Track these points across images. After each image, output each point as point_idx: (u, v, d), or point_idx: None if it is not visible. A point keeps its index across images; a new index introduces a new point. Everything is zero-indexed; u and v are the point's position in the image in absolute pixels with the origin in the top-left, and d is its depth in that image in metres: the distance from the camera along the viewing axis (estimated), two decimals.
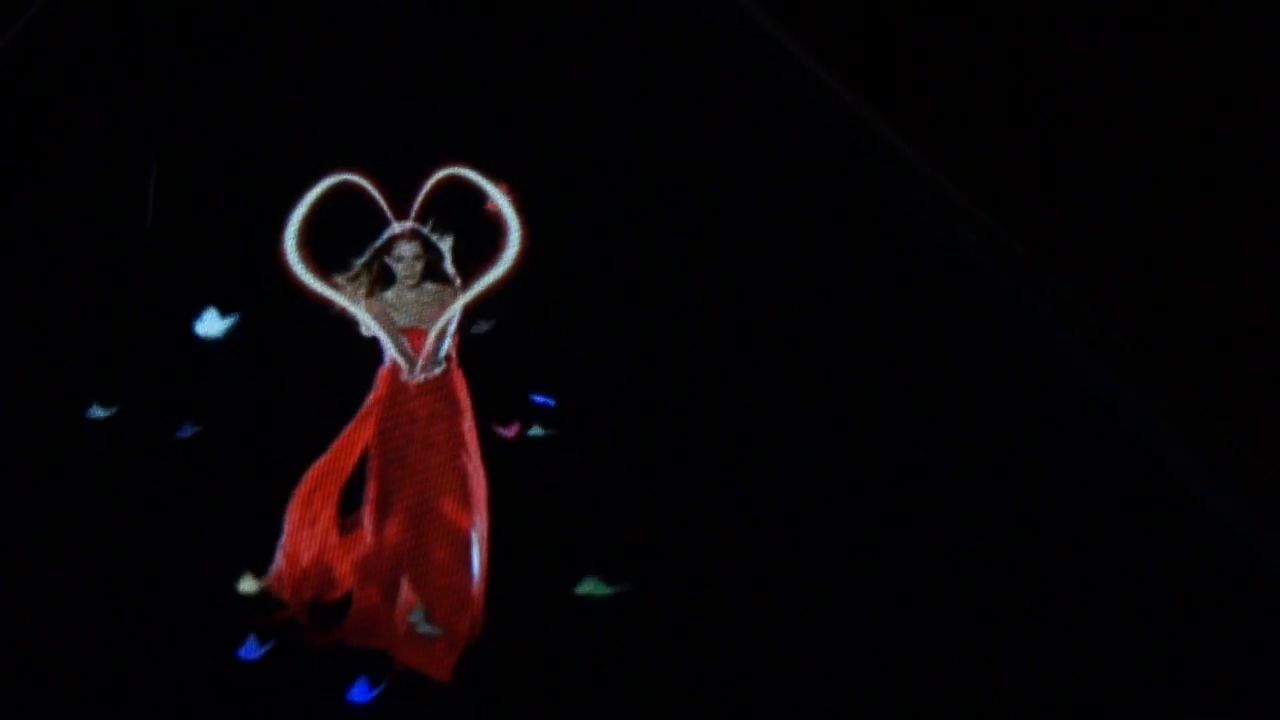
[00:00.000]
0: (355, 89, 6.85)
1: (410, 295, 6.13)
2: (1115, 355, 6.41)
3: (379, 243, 6.09)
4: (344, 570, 6.04)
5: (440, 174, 6.10)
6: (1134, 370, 6.35)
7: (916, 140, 6.82)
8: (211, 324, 6.09)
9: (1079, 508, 6.15)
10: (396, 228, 6.12)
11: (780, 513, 6.26)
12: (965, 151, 6.77)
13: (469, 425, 6.12)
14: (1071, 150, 6.81)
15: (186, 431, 6.36)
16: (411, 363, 6.07)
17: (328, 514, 6.04)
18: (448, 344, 6.11)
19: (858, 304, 6.64)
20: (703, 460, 6.45)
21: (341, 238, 6.06)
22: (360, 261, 6.07)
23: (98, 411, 6.16)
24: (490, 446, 6.12)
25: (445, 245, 6.15)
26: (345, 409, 6.09)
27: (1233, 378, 6.26)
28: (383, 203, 6.10)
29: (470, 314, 6.09)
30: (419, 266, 6.13)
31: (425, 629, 5.91)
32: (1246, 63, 6.78)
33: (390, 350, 6.09)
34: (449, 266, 6.15)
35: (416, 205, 6.10)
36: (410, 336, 6.10)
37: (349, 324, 6.07)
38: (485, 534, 6.03)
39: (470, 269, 6.10)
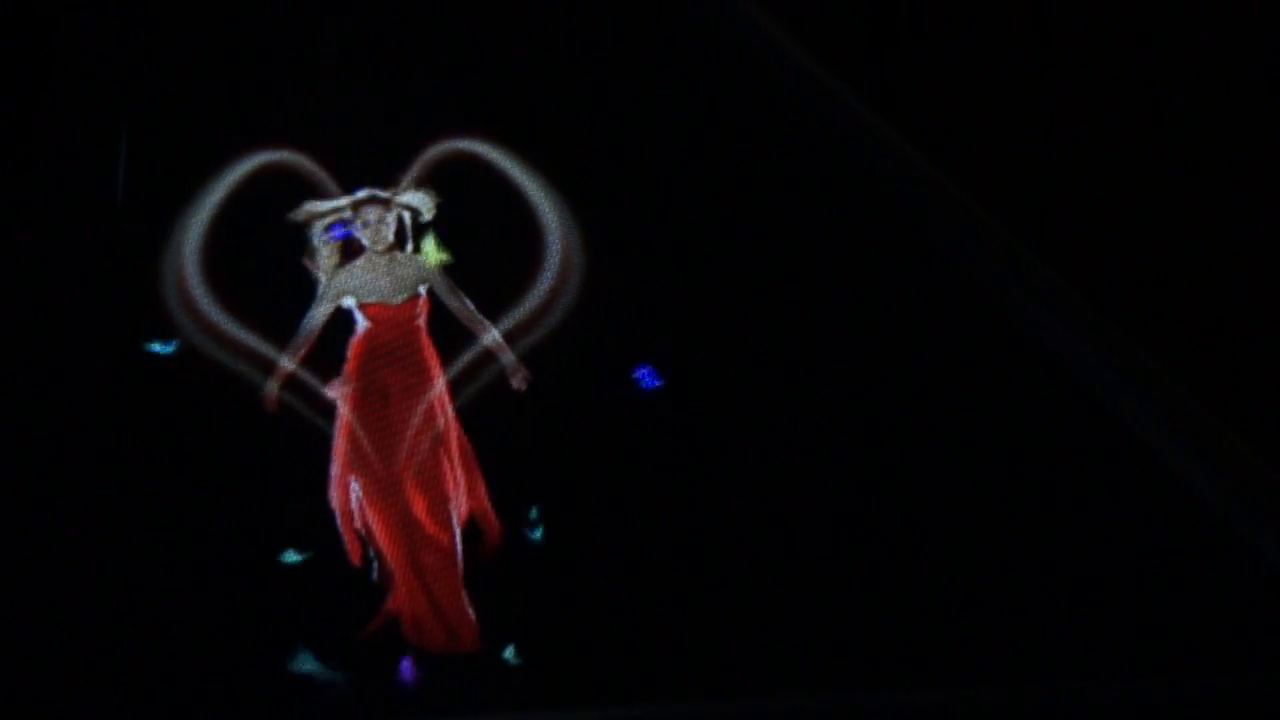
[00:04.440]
0: (326, 64, 6.78)
1: (382, 262, 6.05)
2: (1107, 345, 6.39)
3: (334, 207, 6.02)
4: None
5: (436, 147, 6.08)
6: (1128, 362, 6.33)
7: (916, 140, 6.79)
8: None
9: (1073, 500, 6.18)
10: (360, 193, 6.05)
11: (775, 501, 6.26)
12: (963, 148, 6.75)
13: (440, 397, 6.06)
14: (1068, 146, 6.79)
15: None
16: None
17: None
18: None
19: (857, 300, 6.58)
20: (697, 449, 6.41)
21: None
22: (324, 213, 6.02)
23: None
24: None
25: (417, 200, 6.07)
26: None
27: (1225, 369, 6.25)
28: (327, 177, 6.05)
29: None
30: (385, 231, 6.05)
31: None
32: (1246, 53, 6.77)
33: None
34: (414, 228, 6.09)
35: (409, 176, 6.06)
36: (374, 311, 6.02)
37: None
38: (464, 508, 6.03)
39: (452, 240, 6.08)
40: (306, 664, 5.90)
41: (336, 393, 6.03)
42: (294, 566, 6.07)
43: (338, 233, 6.03)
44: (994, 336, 6.44)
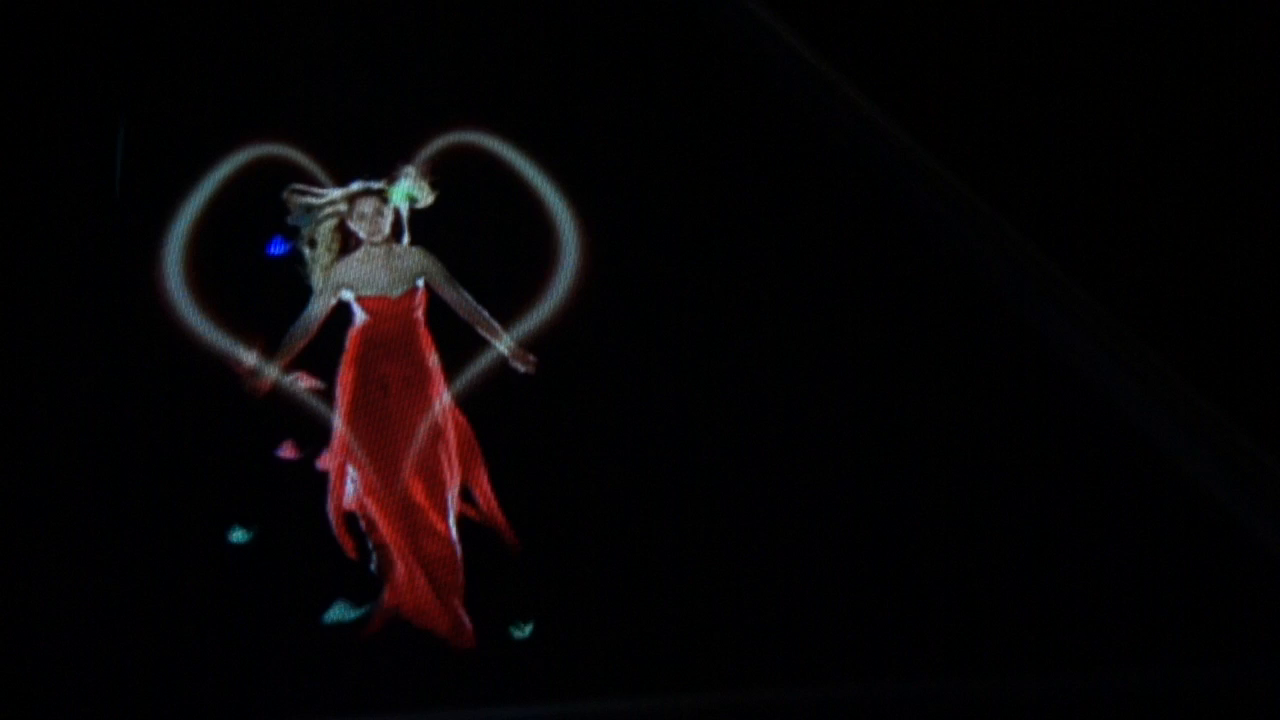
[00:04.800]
0: (323, 57, 6.75)
1: (379, 254, 6.03)
2: (1110, 338, 6.39)
3: (329, 199, 6.00)
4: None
5: (434, 140, 6.08)
6: (1131, 355, 6.33)
7: (918, 133, 6.77)
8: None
9: (1074, 493, 6.15)
10: (355, 185, 6.03)
11: (781, 494, 6.24)
12: (964, 140, 6.72)
13: (438, 389, 6.06)
14: (1069, 137, 6.77)
15: None
16: None
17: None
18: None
19: (867, 297, 6.57)
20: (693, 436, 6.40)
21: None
22: (323, 206, 6.00)
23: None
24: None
25: (411, 185, 6.05)
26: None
27: (1230, 363, 6.26)
28: (318, 170, 6.04)
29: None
30: (382, 222, 6.03)
31: None
32: (1251, 46, 6.76)
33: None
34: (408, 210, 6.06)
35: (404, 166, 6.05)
36: (372, 304, 6.00)
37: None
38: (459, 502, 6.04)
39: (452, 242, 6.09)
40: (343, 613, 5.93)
41: (290, 454, 6.02)
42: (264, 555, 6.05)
43: (279, 249, 6.05)
44: (998, 330, 6.43)
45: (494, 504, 6.11)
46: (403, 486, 5.98)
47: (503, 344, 6.07)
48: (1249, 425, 6.00)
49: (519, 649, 5.98)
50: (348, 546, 6.02)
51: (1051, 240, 6.45)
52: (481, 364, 6.12)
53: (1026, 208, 6.49)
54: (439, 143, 6.15)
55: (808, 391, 6.34)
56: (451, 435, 6.07)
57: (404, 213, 6.09)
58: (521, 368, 6.06)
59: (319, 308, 6.04)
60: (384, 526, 5.98)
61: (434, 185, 6.09)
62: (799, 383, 6.36)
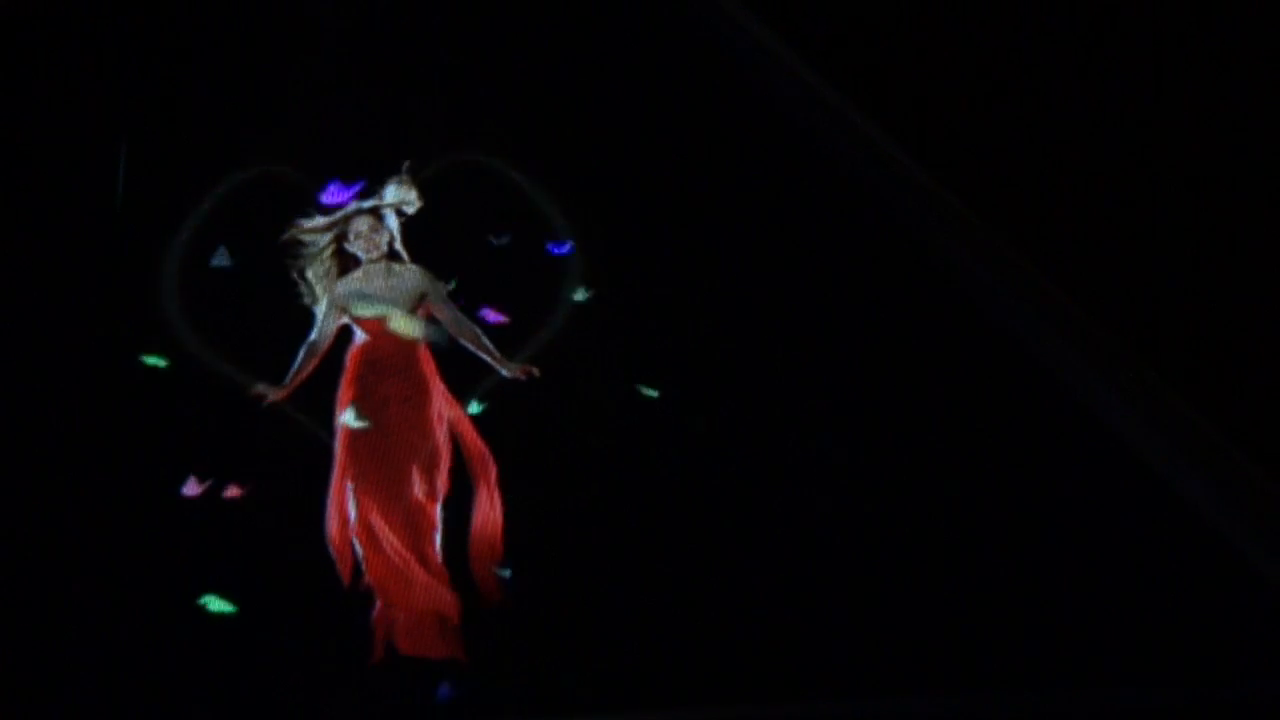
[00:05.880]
0: (327, 75, 6.80)
1: (378, 272, 6.06)
2: (1102, 353, 6.40)
3: (328, 223, 6.05)
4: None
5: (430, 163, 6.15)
6: (1123, 369, 6.35)
7: (909, 144, 6.79)
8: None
9: (1067, 509, 6.16)
10: (349, 206, 6.07)
11: (777, 509, 6.26)
12: (957, 154, 6.74)
13: (437, 408, 6.09)
14: (1062, 151, 6.78)
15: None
16: None
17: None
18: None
19: (849, 306, 6.58)
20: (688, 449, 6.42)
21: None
22: (319, 223, 6.05)
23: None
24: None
25: (399, 197, 6.08)
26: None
27: (1224, 381, 6.26)
28: (314, 189, 6.10)
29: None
30: (378, 239, 6.07)
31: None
32: (1244, 53, 6.75)
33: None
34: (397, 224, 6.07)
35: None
36: (371, 325, 6.04)
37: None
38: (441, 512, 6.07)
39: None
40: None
41: (194, 490, 6.03)
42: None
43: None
44: (989, 343, 6.44)
45: (499, 523, 6.13)
46: (404, 503, 6.02)
47: (500, 363, 6.11)
48: (1244, 443, 6.01)
49: (519, 664, 6.02)
50: (344, 564, 6.04)
51: (1050, 258, 6.48)
52: (486, 384, 6.17)
53: (1021, 219, 6.52)
54: (436, 163, 6.19)
55: (812, 408, 6.38)
56: (447, 452, 6.10)
57: (396, 230, 6.13)
58: (522, 376, 6.09)
59: (326, 329, 6.09)
60: (387, 542, 6.00)
61: (415, 187, 6.12)
62: (802, 397, 6.40)
